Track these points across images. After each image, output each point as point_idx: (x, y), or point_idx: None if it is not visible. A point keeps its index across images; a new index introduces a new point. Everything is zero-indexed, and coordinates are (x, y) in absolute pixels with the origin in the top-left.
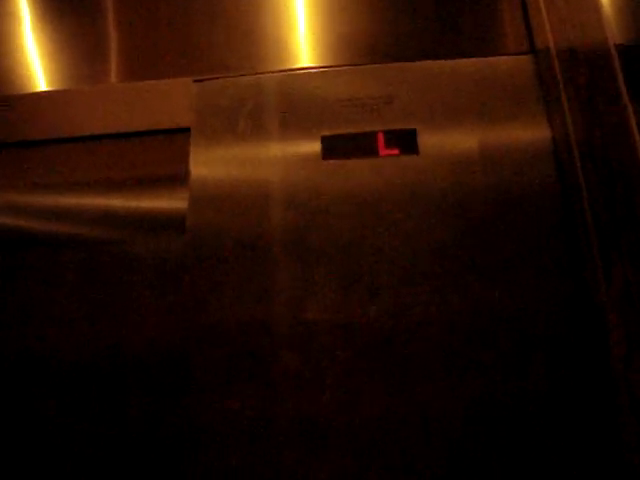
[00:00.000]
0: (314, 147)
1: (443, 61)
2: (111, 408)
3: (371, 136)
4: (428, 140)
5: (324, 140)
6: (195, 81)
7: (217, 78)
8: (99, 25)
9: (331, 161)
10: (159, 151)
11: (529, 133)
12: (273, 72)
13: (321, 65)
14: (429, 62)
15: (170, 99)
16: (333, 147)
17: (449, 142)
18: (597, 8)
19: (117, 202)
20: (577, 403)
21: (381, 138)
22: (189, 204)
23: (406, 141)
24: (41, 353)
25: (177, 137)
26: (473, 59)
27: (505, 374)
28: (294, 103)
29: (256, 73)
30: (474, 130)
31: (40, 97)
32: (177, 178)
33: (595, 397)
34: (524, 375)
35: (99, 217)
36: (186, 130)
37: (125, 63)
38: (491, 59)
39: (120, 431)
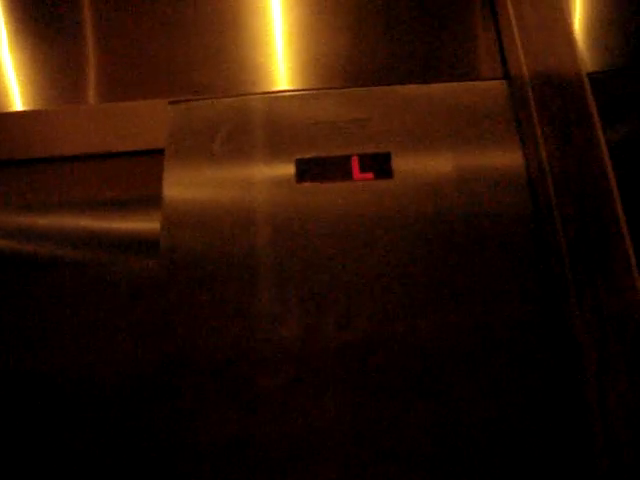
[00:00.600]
0: (288, 170)
1: (418, 85)
2: (82, 432)
3: (345, 160)
4: (402, 164)
5: (298, 163)
6: (170, 103)
7: (192, 100)
8: (76, 45)
9: (305, 184)
10: (134, 173)
11: (502, 158)
12: (248, 94)
13: (297, 88)
14: (404, 86)
15: (145, 120)
16: (307, 170)
17: (423, 166)
18: (569, 36)
19: (90, 223)
20: (549, 425)
21: (355, 162)
22: (162, 226)
23: (380, 165)
24: (11, 374)
25: (152, 159)
26: (447, 84)
27: (477, 397)
28: (269, 126)
29: (231, 95)
30: (448, 154)
31: (13, 117)
32: (151, 200)
33: (568, 420)
34: (496, 398)
35: (72, 238)
36: (161, 152)
37: (101, 84)
38: (465, 84)
39: (94, 454)
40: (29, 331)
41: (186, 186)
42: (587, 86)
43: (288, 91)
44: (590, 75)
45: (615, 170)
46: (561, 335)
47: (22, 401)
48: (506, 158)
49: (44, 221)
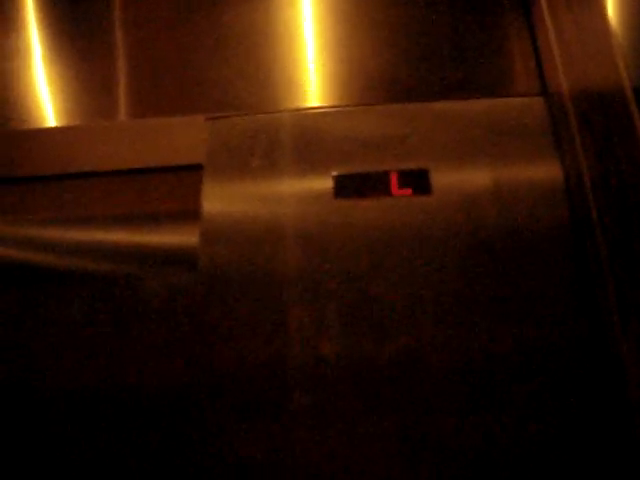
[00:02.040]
0: (326, 186)
1: (456, 102)
2: (114, 448)
3: (384, 176)
4: (440, 180)
5: (336, 179)
6: (207, 119)
7: (229, 116)
8: (110, 61)
9: (343, 200)
10: (169, 188)
11: (540, 172)
12: (286, 110)
13: (333, 104)
14: (442, 103)
15: (182, 136)
16: (345, 186)
17: (461, 182)
18: (612, 49)
19: (127, 238)
20: (592, 444)
21: (394, 178)
22: (200, 240)
23: (419, 181)
24: (49, 389)
25: (189, 174)
26: (485, 100)
27: (518, 415)
28: (306, 141)
29: (269, 112)
30: (486, 170)
31: (52, 132)
32: (188, 215)
33: (612, 439)
34: (537, 416)
35: (109, 253)
36: (198, 167)
37: (136, 100)
38: (502, 100)
39: (123, 472)
40: (57, 346)
41: (225, 201)
42: (631, 100)
43: (326, 106)
44: (634, 88)
45: None
46: (603, 352)
47: (52, 414)
48: (544, 173)
49: (80, 236)
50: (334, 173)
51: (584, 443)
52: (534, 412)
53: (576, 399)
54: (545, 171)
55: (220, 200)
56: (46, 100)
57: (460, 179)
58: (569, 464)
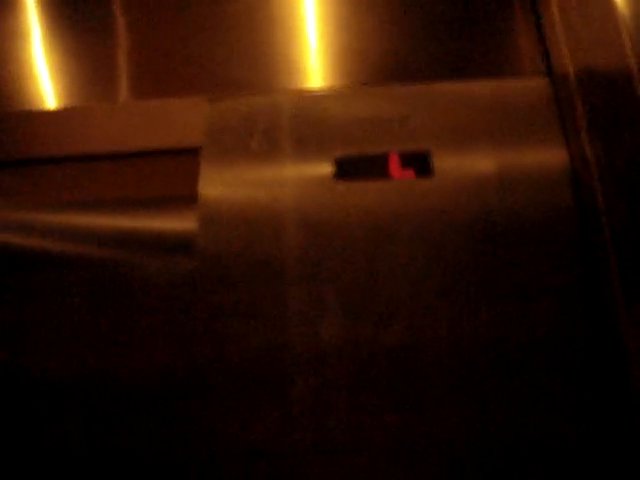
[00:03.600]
0: (327, 168)
1: (458, 82)
2: (113, 434)
3: (385, 157)
4: (443, 162)
5: (337, 161)
6: (208, 100)
7: (228, 98)
8: (110, 42)
9: (344, 182)
10: (170, 171)
11: (545, 154)
12: (286, 92)
13: (335, 85)
14: (445, 83)
15: (182, 118)
16: (346, 168)
17: (464, 164)
18: (618, 29)
19: (124, 222)
20: (596, 433)
21: (395, 159)
22: (199, 225)
23: (420, 163)
24: (45, 375)
25: (188, 157)
26: (488, 81)
27: (522, 402)
28: (307, 123)
29: (270, 93)
30: (489, 151)
31: (49, 115)
32: (186, 199)
33: (615, 428)
34: (541, 403)
35: (105, 237)
36: (197, 150)
37: (136, 81)
38: (506, 81)
39: (121, 458)
40: (57, 331)
41: (223, 184)
42: (638, 82)
43: (327, 88)
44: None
45: None
46: (608, 334)
47: (46, 402)
48: (549, 155)
49: (77, 219)
50: (335, 155)
51: (586, 431)
52: (537, 400)
53: (579, 386)
54: (550, 154)
55: (218, 183)
56: (44, 82)
57: (463, 161)
58: (571, 453)
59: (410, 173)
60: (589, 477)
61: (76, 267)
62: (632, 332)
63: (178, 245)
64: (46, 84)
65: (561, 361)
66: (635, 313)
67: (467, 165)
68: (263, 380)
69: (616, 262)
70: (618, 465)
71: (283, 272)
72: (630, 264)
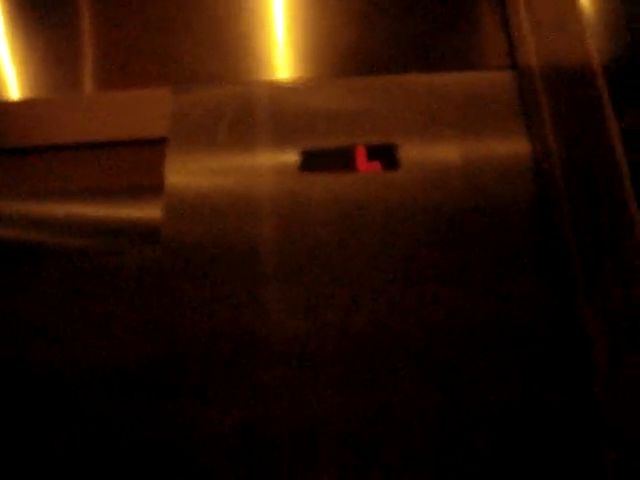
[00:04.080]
0: (293, 159)
1: (424, 74)
2: (85, 422)
3: (351, 150)
4: (409, 154)
5: (303, 153)
6: (173, 91)
7: (194, 88)
8: (75, 33)
9: (310, 174)
10: (135, 161)
11: (509, 147)
12: (252, 83)
13: (301, 77)
14: (411, 75)
15: (146, 109)
16: (312, 160)
17: (429, 156)
18: (582, 25)
19: (89, 212)
20: (557, 414)
21: (361, 152)
22: (163, 214)
23: (387, 155)
24: (13, 364)
25: (153, 148)
26: (454, 73)
27: (483, 384)
28: (273, 114)
29: (234, 84)
30: (454, 144)
31: (14, 105)
32: (152, 188)
33: (576, 411)
34: (503, 384)
35: (70, 227)
36: (162, 141)
37: (101, 72)
38: (472, 74)
39: (95, 444)
40: (26, 323)
41: (188, 174)
42: (600, 76)
43: (293, 79)
44: (602, 65)
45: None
46: (570, 325)
47: (19, 395)
48: (512, 148)
49: (42, 209)
50: (301, 147)
51: (548, 417)
52: (500, 385)
53: (542, 372)
54: (513, 146)
55: (183, 173)
56: (8, 72)
57: (428, 153)
58: (531, 438)
59: (376, 166)
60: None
61: (40, 257)
62: (594, 325)
63: (144, 234)
64: (10, 75)
65: (524, 345)
66: (597, 307)
67: (432, 157)
68: (230, 370)
69: (577, 252)
70: (577, 440)
71: (248, 262)
72: (591, 254)
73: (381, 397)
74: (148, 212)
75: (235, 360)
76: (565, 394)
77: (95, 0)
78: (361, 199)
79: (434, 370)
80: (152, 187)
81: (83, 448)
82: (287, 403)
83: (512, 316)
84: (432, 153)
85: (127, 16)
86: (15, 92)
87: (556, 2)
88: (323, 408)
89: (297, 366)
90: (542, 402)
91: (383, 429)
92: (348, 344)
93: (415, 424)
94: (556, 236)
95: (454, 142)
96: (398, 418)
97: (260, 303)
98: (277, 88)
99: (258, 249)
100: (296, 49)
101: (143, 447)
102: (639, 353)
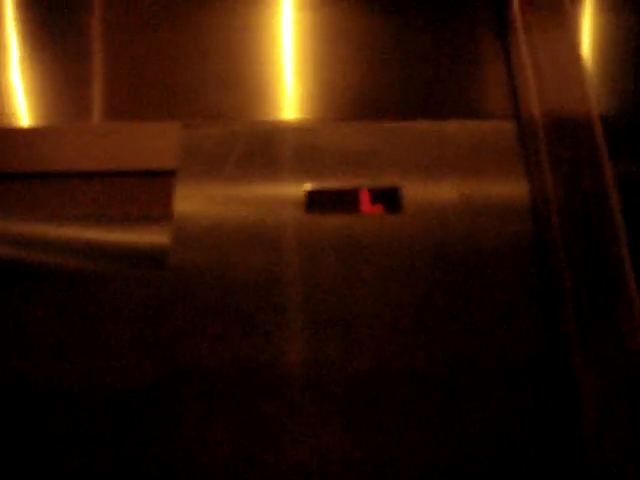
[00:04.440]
0: (298, 199)
1: (429, 121)
2: (86, 444)
3: (355, 192)
4: (411, 198)
5: (308, 194)
6: (183, 126)
7: (204, 125)
8: (87, 63)
9: (315, 215)
10: (142, 191)
11: (509, 194)
12: (261, 122)
13: (308, 118)
14: (416, 122)
15: (155, 141)
16: (317, 200)
17: (431, 200)
18: (583, 77)
19: (96, 237)
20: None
21: (365, 195)
22: (171, 241)
23: (390, 198)
24: (15, 386)
25: (162, 179)
26: (458, 121)
27: (480, 426)
28: (281, 153)
29: (244, 122)
30: (455, 189)
31: (28, 132)
32: (160, 217)
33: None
34: (500, 428)
35: (78, 251)
36: (171, 173)
37: (111, 102)
38: (475, 122)
39: (94, 466)
40: (33, 343)
41: (197, 204)
42: (598, 128)
43: (301, 120)
44: (601, 117)
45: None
46: (562, 369)
47: (19, 417)
48: (512, 193)
49: (51, 234)
50: (306, 188)
51: (537, 452)
52: (494, 421)
53: (533, 409)
54: (513, 191)
55: (192, 203)
56: (20, 100)
57: (430, 198)
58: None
59: (379, 208)
60: None
61: (47, 281)
62: (586, 373)
63: (151, 262)
64: (22, 102)
65: (517, 384)
66: (590, 355)
67: (434, 201)
68: (230, 399)
69: (572, 297)
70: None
71: (252, 291)
72: (586, 300)
73: (378, 437)
74: (155, 239)
75: (236, 389)
76: (550, 439)
77: (108, 31)
78: (364, 240)
79: (427, 408)
80: (160, 216)
81: (82, 469)
82: (287, 435)
83: (509, 354)
84: (434, 196)
85: (139, 49)
86: (28, 119)
87: (559, 55)
88: (318, 443)
89: (298, 397)
90: (527, 449)
91: (378, 468)
92: (346, 380)
93: (407, 460)
94: (553, 277)
95: (455, 187)
96: (395, 457)
97: (263, 333)
98: (285, 128)
99: (262, 280)
100: (304, 91)
101: (142, 470)
102: (628, 403)
